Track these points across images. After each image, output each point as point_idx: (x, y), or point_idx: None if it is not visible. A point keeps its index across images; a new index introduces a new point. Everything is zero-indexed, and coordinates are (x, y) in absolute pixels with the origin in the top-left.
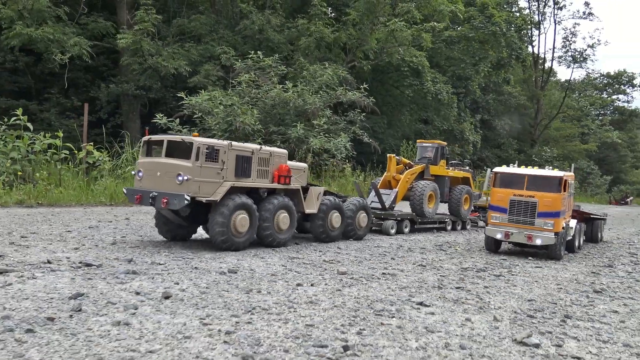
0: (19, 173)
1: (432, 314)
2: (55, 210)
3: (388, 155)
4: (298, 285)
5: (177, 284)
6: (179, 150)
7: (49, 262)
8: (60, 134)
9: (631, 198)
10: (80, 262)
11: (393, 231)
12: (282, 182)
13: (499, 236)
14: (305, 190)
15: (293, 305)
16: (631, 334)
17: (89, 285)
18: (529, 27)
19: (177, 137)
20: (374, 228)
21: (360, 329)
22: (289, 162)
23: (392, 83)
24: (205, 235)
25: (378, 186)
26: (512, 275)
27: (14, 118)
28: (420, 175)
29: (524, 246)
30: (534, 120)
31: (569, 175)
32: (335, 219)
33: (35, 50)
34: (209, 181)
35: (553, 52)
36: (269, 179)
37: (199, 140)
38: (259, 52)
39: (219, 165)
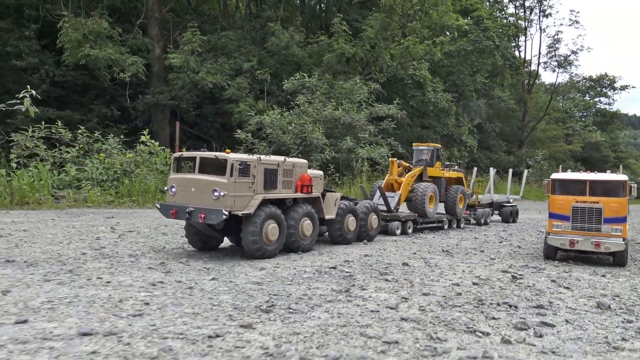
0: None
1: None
2: None
3: (390, 159)
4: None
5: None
6: (212, 166)
7: None
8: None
9: None
10: None
11: (399, 232)
12: (305, 191)
13: (562, 245)
14: (323, 196)
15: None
16: None
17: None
18: (518, 34)
19: (210, 154)
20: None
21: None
22: (309, 171)
23: (396, 92)
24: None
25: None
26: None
27: (142, 138)
28: (419, 177)
29: (585, 253)
30: (522, 123)
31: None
32: (351, 222)
33: (88, 67)
34: (242, 195)
35: (539, 57)
36: (292, 189)
37: (232, 156)
38: (304, 74)
39: (250, 179)
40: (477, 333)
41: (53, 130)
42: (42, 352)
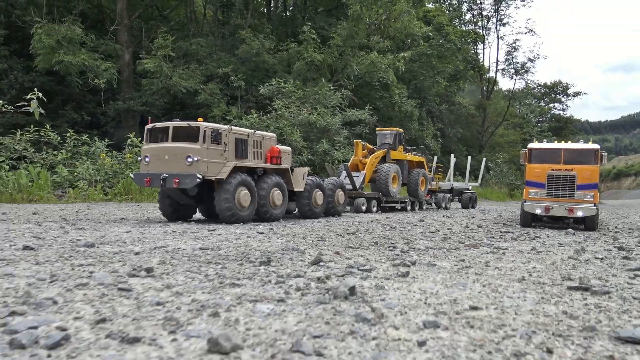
0: None
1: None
2: None
3: (355, 140)
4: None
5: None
6: (185, 134)
7: None
8: None
9: None
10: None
11: (364, 208)
12: (274, 162)
13: (538, 211)
14: (291, 170)
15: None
16: None
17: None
18: (477, 41)
19: (183, 123)
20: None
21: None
22: (278, 146)
23: (362, 98)
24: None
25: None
26: None
27: (129, 140)
28: (383, 160)
29: (558, 220)
30: (481, 128)
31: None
32: (319, 196)
33: (60, 73)
34: (214, 162)
35: (497, 64)
36: (262, 159)
37: (205, 124)
38: (279, 79)
39: (222, 147)
40: (494, 238)
41: (42, 134)
42: (259, 237)
